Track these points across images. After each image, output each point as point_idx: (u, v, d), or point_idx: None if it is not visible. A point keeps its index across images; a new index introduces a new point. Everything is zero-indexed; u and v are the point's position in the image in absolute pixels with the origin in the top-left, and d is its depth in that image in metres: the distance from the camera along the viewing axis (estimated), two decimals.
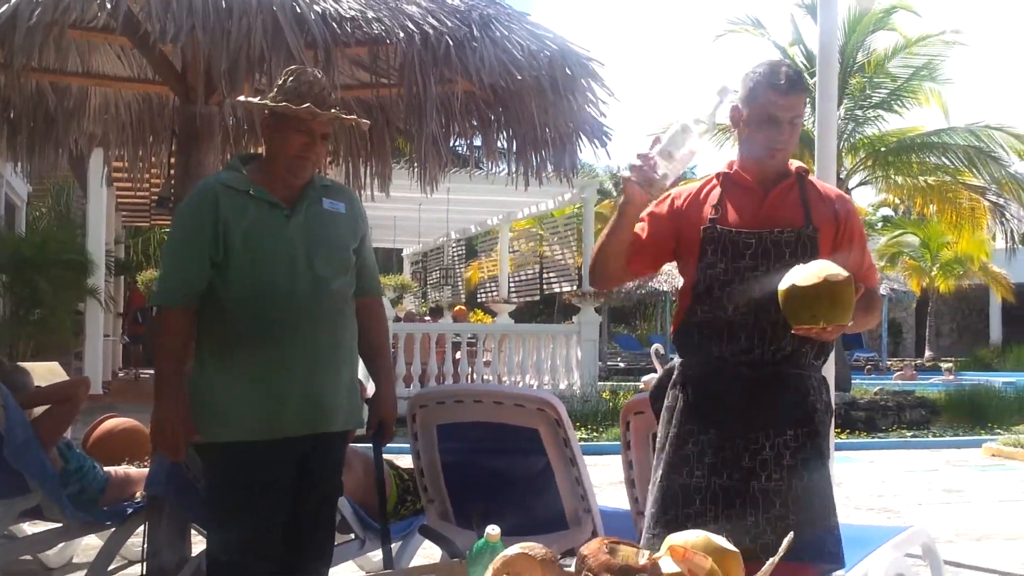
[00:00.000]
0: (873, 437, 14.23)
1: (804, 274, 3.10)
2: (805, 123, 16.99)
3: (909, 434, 14.59)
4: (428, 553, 5.35)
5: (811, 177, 3.52)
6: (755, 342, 3.33)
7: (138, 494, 5.47)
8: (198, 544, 5.24)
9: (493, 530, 2.84)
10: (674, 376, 3.48)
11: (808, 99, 3.53)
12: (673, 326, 3.55)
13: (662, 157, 3.17)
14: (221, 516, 3.69)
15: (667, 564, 2.53)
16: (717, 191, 3.46)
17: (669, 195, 3.51)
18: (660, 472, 3.38)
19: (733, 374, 3.32)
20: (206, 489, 3.80)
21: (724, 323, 3.35)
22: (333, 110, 3.67)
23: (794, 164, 3.52)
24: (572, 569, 2.58)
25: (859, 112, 18.17)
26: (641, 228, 3.47)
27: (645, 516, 3.39)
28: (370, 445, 4.08)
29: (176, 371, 3.62)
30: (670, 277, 32.72)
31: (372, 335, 3.93)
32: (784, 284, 3.12)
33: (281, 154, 3.67)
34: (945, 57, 18.06)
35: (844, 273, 3.10)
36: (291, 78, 3.68)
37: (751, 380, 3.31)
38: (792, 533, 2.79)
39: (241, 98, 3.96)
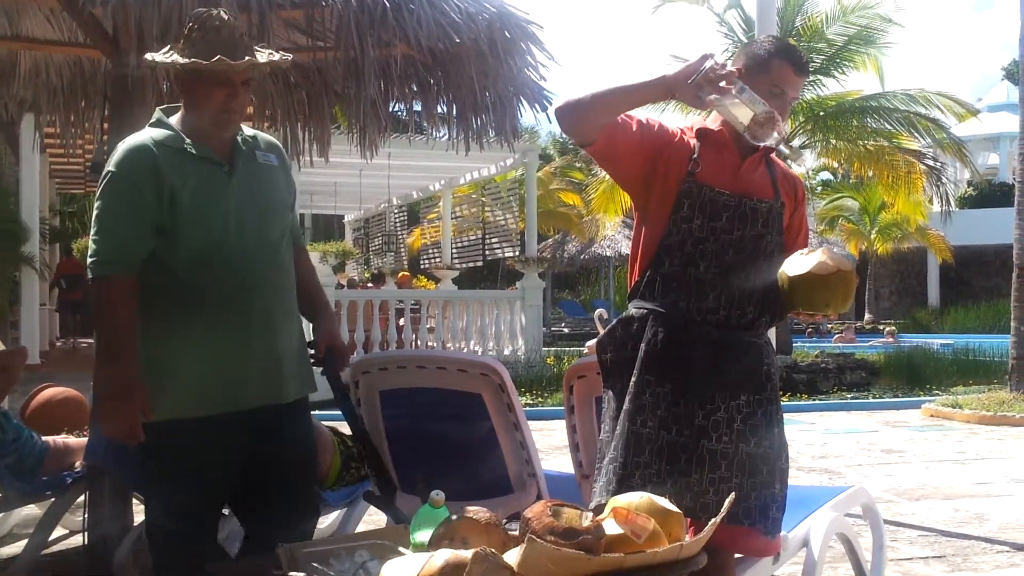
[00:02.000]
0: (814, 399, 14.40)
1: (816, 262, 3.15)
2: None
3: (849, 396, 14.76)
4: (373, 519, 5.34)
5: (773, 157, 3.50)
6: (722, 303, 3.32)
7: (77, 464, 5.40)
8: (139, 513, 5.19)
9: (437, 495, 2.82)
10: (635, 325, 3.39)
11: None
12: (634, 275, 3.45)
13: (736, 93, 3.07)
14: (167, 488, 3.48)
15: (610, 526, 2.53)
16: (694, 143, 3.38)
17: (666, 125, 3.42)
18: (624, 420, 3.31)
19: (699, 332, 3.30)
20: (153, 464, 3.51)
21: (694, 279, 3.32)
22: (248, 56, 3.39)
23: None
24: (517, 532, 2.57)
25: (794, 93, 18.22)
26: (636, 122, 3.33)
27: (605, 464, 3.32)
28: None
29: (128, 341, 3.31)
30: (613, 243, 32.92)
31: (309, 283, 3.80)
32: (798, 270, 3.16)
33: (204, 109, 3.41)
34: (884, 31, 18.22)
35: (848, 261, 3.23)
36: (196, 27, 3.41)
37: (715, 341, 3.30)
38: (733, 495, 2.81)
39: (148, 56, 3.56)
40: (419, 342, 15.76)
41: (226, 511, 3.78)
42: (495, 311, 16.55)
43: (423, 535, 2.67)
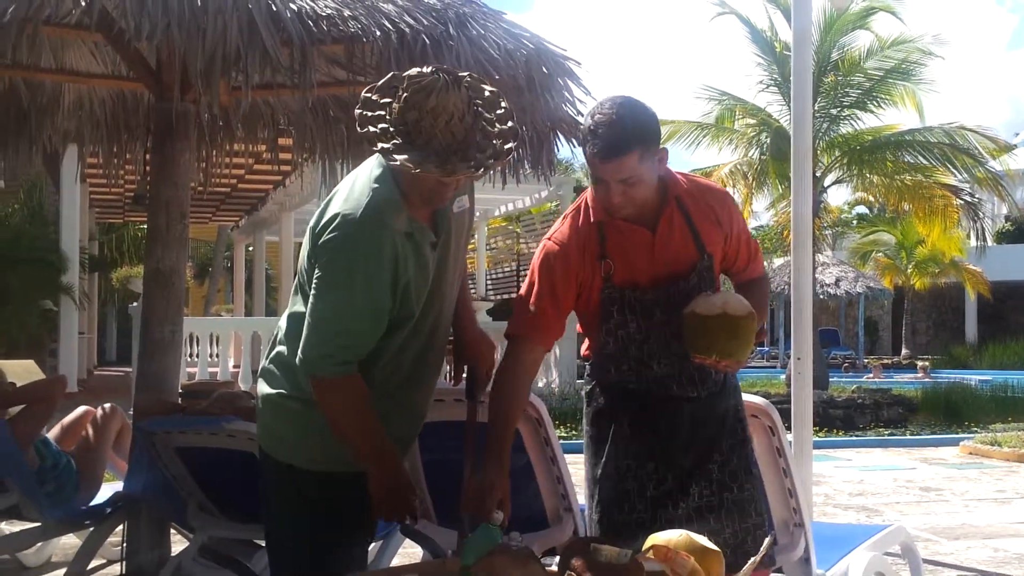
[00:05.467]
0: (851, 435, 14.28)
1: (706, 303, 3.09)
2: (779, 120, 16.87)
3: (886, 432, 14.64)
4: (409, 552, 5.34)
5: (685, 187, 3.29)
6: (685, 387, 3.30)
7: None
8: (177, 543, 5.22)
9: (498, 516, 2.82)
10: (595, 405, 3.39)
11: (641, 153, 3.06)
12: (592, 367, 3.43)
13: None
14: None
15: (650, 564, 2.53)
16: (596, 235, 3.23)
17: (549, 250, 3.27)
18: (597, 511, 3.32)
19: (665, 409, 3.30)
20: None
21: (651, 378, 3.30)
22: (471, 162, 2.80)
23: (671, 185, 3.26)
24: (555, 568, 2.58)
25: (834, 111, 18.23)
26: (543, 302, 3.23)
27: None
28: None
29: (383, 441, 3.02)
30: None
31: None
32: (687, 309, 3.11)
33: (416, 186, 2.91)
34: (923, 64, 18.16)
35: (746, 308, 3.09)
36: (414, 113, 2.77)
37: (682, 413, 3.30)
38: (768, 538, 2.81)
39: (368, 127, 2.85)
40: (453, 375, 15.72)
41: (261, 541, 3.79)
42: None
43: (473, 555, 2.66)
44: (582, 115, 5.60)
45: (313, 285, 2.92)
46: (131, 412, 5.37)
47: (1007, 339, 32.67)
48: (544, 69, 5.17)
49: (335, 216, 2.90)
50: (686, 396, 3.30)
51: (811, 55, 6.67)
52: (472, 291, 20.38)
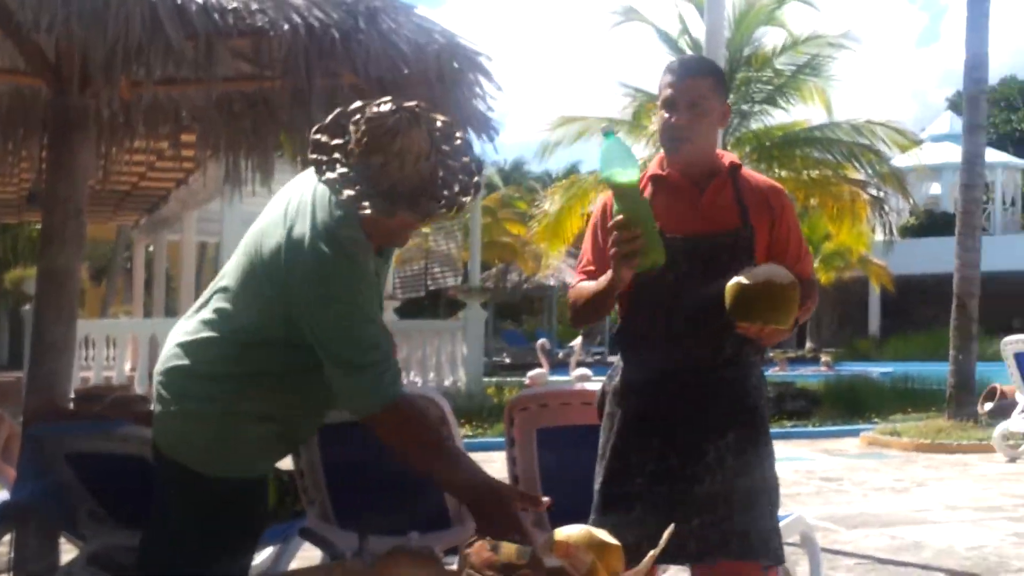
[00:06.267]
0: None
1: (751, 273, 3.12)
2: None
3: (789, 424, 14.89)
4: (308, 555, 5.29)
5: (744, 170, 3.44)
6: (697, 348, 3.30)
7: None
8: (68, 552, 5.11)
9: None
10: (615, 382, 3.41)
11: (715, 83, 3.33)
12: (619, 339, 3.48)
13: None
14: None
15: (550, 560, 2.53)
16: (648, 192, 3.31)
17: (604, 204, 3.40)
18: (599, 482, 3.34)
19: (678, 382, 3.30)
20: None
21: (665, 330, 3.30)
22: (439, 203, 2.71)
23: (727, 158, 3.45)
24: (455, 567, 2.57)
25: (745, 107, 18.46)
26: (597, 261, 3.35)
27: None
28: None
29: (452, 446, 3.01)
30: (557, 272, 32.99)
31: None
32: (732, 280, 3.13)
33: (384, 231, 2.84)
34: (833, 58, 18.46)
35: (790, 278, 3.12)
36: (377, 156, 2.65)
37: (695, 386, 3.29)
38: (667, 530, 2.82)
39: (325, 180, 2.70)
40: None
41: None
42: (436, 341, 16.51)
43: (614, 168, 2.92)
44: (493, 110, 5.61)
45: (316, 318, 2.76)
46: (21, 419, 5.24)
47: (909, 331, 33.39)
48: (455, 64, 5.16)
49: (309, 240, 2.75)
50: (699, 360, 3.29)
51: (723, 51, 6.75)
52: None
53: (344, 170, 2.66)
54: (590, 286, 3.29)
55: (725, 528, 3.18)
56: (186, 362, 3.00)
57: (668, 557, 3.11)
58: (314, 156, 2.73)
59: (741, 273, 3.12)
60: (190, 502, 3.08)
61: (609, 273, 3.10)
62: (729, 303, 3.13)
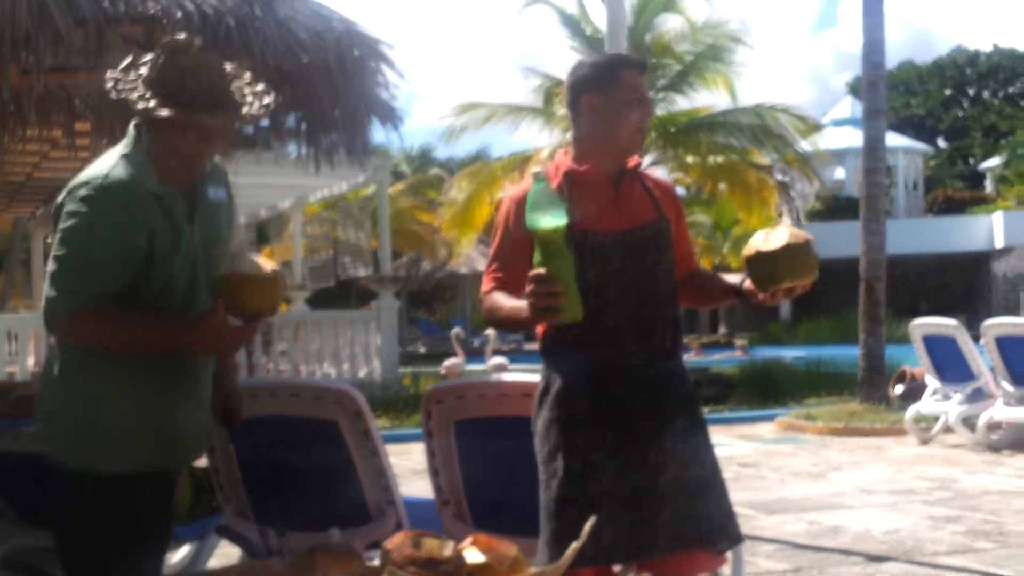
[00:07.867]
0: None
1: (766, 240, 3.14)
2: None
3: (706, 410, 14.87)
4: (226, 553, 5.18)
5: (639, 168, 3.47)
6: (640, 343, 3.27)
7: None
8: None
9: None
10: (555, 387, 3.29)
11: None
12: (542, 331, 3.35)
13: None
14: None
15: (472, 554, 2.49)
16: (562, 185, 3.26)
17: (512, 199, 3.32)
18: (556, 485, 3.22)
19: (628, 377, 3.25)
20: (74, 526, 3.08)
21: (607, 329, 3.24)
22: (233, 104, 2.97)
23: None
24: (376, 562, 2.51)
25: (649, 93, 18.53)
26: (507, 265, 3.25)
27: (543, 535, 3.22)
28: None
29: (154, 320, 2.99)
30: (469, 260, 32.96)
31: None
32: (771, 244, 3.13)
33: (174, 153, 2.99)
34: (734, 44, 18.63)
35: (804, 235, 3.18)
36: (168, 60, 2.90)
37: (643, 380, 3.27)
38: (589, 521, 2.76)
39: (110, 83, 3.00)
40: (271, 366, 15.46)
41: None
42: (349, 332, 16.34)
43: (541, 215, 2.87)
44: (396, 98, 5.54)
45: (53, 247, 2.91)
46: None
47: (820, 315, 33.87)
48: (356, 51, 5.08)
49: (77, 184, 2.91)
50: (640, 355, 3.25)
51: (624, 38, 6.74)
52: (288, 279, 19.91)
53: (143, 91, 2.91)
54: (504, 307, 3.17)
55: (695, 514, 3.20)
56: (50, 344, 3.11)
57: (640, 551, 3.17)
58: (113, 81, 2.98)
59: (756, 242, 3.15)
60: (73, 505, 3.06)
61: (524, 307, 2.96)
62: (757, 274, 3.17)
